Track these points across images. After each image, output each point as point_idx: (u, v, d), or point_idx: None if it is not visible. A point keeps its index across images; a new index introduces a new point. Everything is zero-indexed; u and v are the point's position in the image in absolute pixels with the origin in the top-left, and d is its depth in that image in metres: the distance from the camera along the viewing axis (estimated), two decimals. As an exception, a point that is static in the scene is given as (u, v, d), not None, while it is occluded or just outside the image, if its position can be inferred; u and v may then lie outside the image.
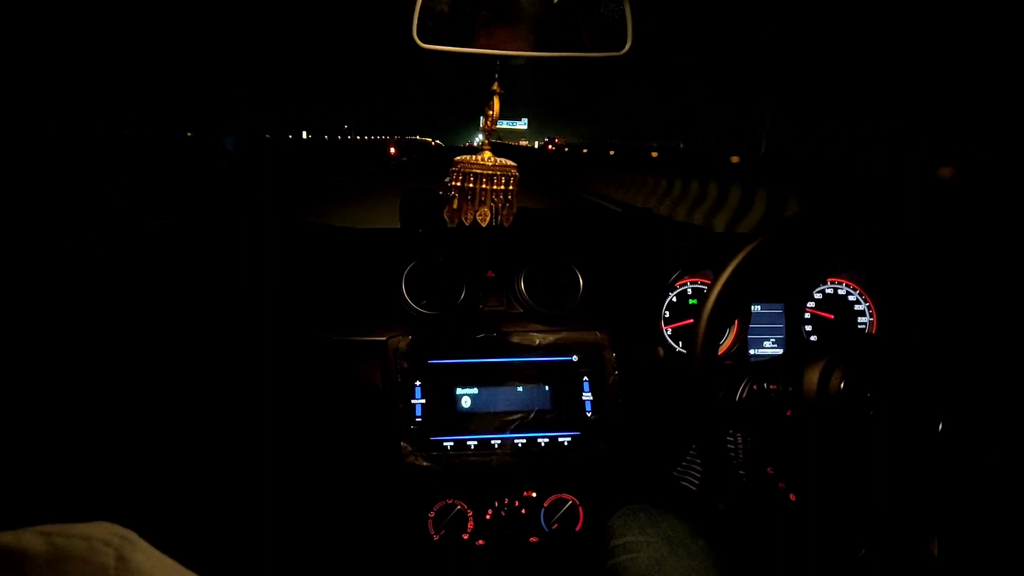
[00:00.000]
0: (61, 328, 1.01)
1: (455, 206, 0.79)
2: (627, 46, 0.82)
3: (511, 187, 0.80)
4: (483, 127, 0.81)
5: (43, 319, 1.01)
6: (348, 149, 44.29)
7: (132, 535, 0.31)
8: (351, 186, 15.17)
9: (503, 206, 0.79)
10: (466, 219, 0.79)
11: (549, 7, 0.81)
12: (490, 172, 0.78)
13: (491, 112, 0.80)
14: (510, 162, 0.79)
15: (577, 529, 1.04)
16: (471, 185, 0.78)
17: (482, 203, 0.78)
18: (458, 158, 0.80)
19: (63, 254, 1.10)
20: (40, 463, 0.97)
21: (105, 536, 0.29)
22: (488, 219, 0.79)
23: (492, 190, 0.78)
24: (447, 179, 0.81)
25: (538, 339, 1.06)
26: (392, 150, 38.43)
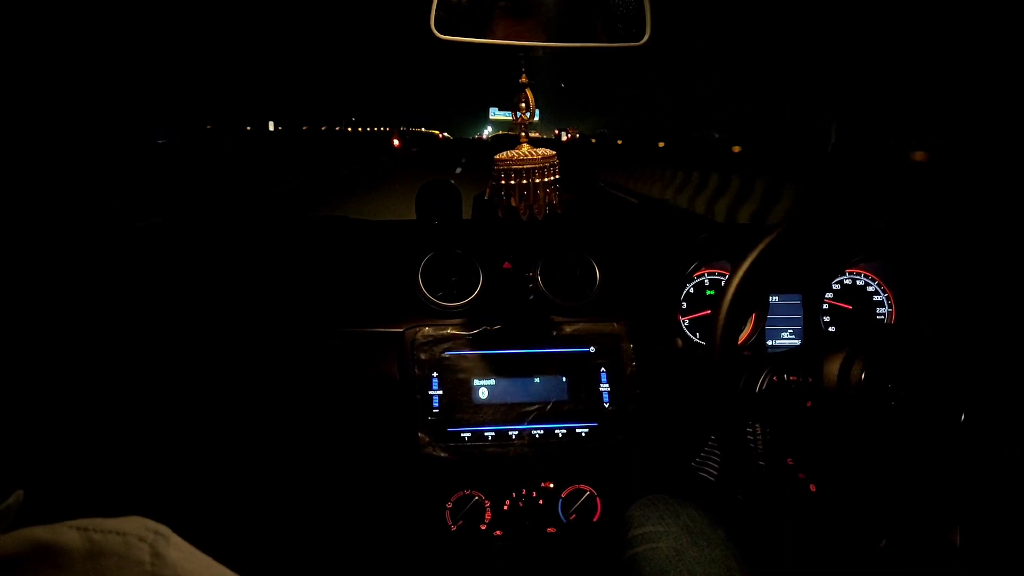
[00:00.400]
0: (92, 330, 1.02)
1: (513, 203, 0.81)
2: (646, 36, 0.81)
3: (557, 176, 0.82)
4: (518, 121, 0.82)
5: (62, 321, 1.02)
6: (332, 144, 36.67)
7: (165, 530, 0.31)
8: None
9: (554, 195, 0.82)
10: (526, 216, 0.81)
11: None
12: (540, 165, 0.80)
13: (524, 105, 0.81)
14: (550, 151, 0.81)
15: (595, 520, 1.04)
16: (525, 180, 0.80)
17: (537, 197, 0.80)
18: (499, 156, 0.81)
19: (79, 256, 1.11)
20: (58, 467, 0.98)
21: (139, 531, 0.30)
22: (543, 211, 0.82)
23: (543, 182, 0.80)
24: (495, 178, 0.82)
25: (555, 330, 1.06)
26: (396, 142, 38.08)
